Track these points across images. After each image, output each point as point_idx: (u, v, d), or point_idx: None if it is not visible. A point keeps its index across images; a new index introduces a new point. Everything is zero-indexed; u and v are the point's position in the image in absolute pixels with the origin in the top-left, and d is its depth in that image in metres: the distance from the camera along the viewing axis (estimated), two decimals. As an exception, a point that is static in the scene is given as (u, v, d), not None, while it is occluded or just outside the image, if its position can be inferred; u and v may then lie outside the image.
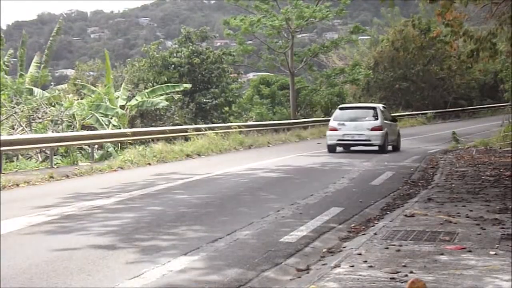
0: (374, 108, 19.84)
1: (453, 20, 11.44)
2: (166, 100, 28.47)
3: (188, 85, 30.76)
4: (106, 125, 23.82)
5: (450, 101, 49.50)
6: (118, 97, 26.81)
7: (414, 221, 7.09)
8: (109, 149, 21.31)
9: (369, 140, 18.93)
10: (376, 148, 18.99)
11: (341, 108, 20.52)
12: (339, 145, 19.49)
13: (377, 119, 19.02)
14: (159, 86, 29.78)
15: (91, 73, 40.99)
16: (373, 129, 18.84)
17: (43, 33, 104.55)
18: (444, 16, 11.31)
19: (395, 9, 57.41)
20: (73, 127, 23.65)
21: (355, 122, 19.16)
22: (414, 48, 44.10)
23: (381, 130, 18.86)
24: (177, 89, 29.37)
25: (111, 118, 24.83)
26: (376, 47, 48.20)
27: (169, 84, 30.24)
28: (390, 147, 19.57)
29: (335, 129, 19.26)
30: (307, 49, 37.14)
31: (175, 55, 37.17)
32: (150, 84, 33.27)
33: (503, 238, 6.04)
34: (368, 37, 53.52)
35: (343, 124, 19.10)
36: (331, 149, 19.32)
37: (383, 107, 21.27)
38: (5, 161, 16.62)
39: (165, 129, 22.54)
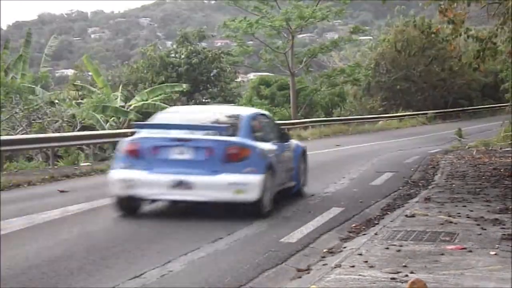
0: None
1: (455, 17, 11.43)
2: (166, 99, 28.45)
3: (187, 86, 30.76)
4: (105, 124, 23.82)
5: (451, 101, 49.44)
6: (116, 97, 26.80)
7: (414, 221, 7.09)
8: (109, 150, 21.28)
9: None
10: None
11: None
12: None
13: None
14: (158, 86, 29.78)
15: (90, 73, 40.95)
16: None
17: (43, 33, 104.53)
18: (446, 14, 11.30)
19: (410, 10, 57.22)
20: (73, 127, 23.64)
21: None
22: (415, 49, 44.01)
23: None
24: (177, 89, 29.38)
25: (111, 118, 24.81)
26: (378, 48, 48.06)
27: (168, 84, 30.24)
28: None
29: None
30: (307, 49, 37.06)
31: (173, 55, 37.15)
32: (149, 83, 33.26)
33: (504, 238, 6.04)
34: (370, 37, 53.37)
35: None
36: None
37: None
38: (5, 161, 16.61)
39: None
